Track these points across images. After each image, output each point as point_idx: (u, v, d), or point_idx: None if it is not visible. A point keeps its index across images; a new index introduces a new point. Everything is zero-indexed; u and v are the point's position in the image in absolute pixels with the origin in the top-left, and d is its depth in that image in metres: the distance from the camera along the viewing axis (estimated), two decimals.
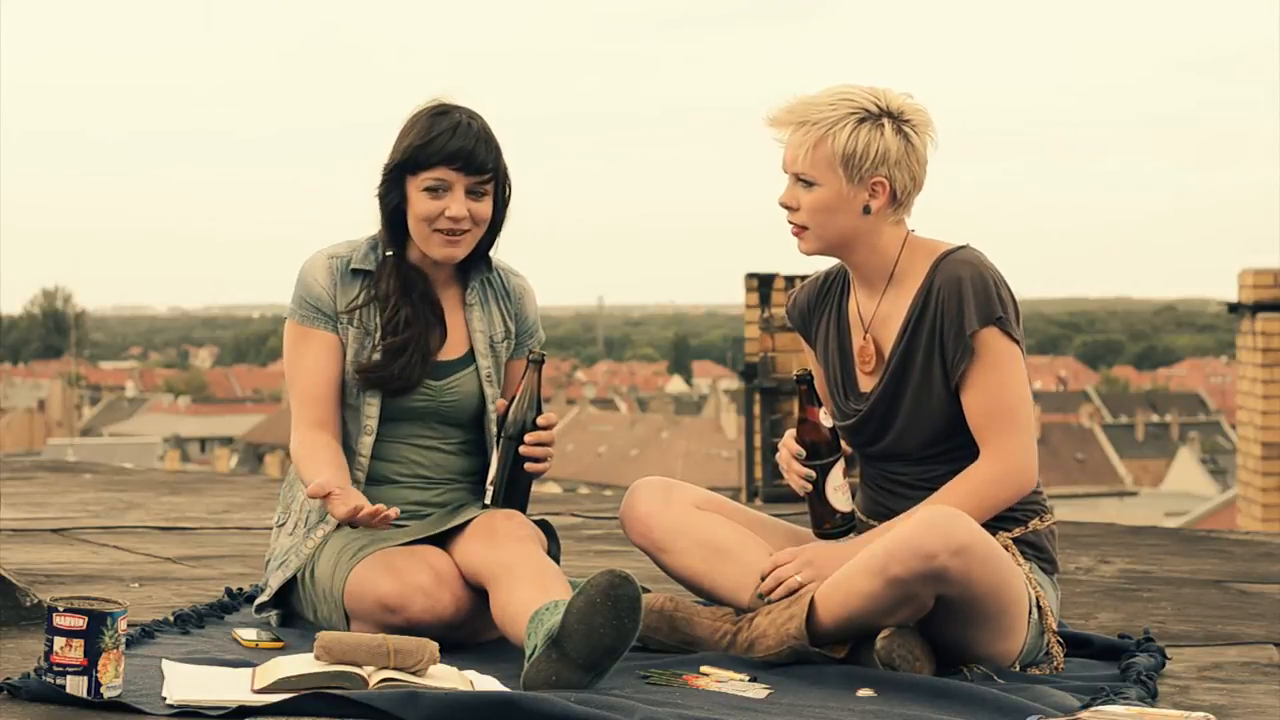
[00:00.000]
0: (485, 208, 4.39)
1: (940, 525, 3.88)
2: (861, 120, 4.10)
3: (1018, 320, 4.12)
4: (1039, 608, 4.12)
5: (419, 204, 4.36)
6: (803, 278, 11.61)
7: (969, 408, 4.11)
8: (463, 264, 4.48)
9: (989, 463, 4.09)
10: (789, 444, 4.18)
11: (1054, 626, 4.16)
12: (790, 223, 4.18)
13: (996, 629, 4.01)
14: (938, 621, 3.98)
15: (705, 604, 4.28)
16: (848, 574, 3.98)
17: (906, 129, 4.12)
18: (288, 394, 4.47)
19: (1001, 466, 4.09)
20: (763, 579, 4.14)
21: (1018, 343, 4.11)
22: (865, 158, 4.09)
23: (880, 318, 4.20)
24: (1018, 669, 4.08)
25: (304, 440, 4.36)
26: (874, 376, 4.21)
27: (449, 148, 4.34)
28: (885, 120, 4.10)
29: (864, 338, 4.22)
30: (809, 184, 4.13)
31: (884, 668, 3.96)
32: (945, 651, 4.04)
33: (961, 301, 4.08)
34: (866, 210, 4.13)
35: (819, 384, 4.31)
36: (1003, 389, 4.08)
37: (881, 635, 3.98)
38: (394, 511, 4.14)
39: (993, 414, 4.08)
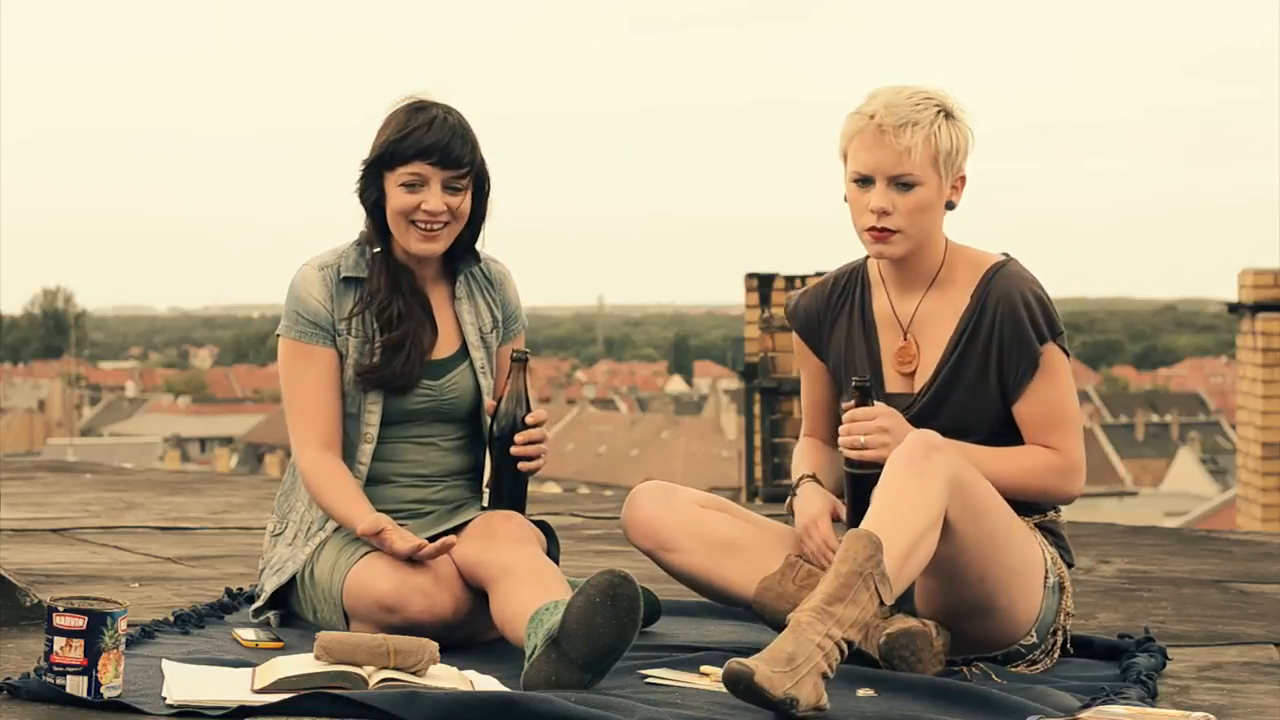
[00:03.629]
0: (463, 202, 4.38)
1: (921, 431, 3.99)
2: (946, 116, 4.15)
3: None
4: (1061, 589, 4.16)
5: (396, 199, 4.36)
6: (803, 278, 11.66)
7: (1027, 415, 4.18)
8: (448, 260, 4.49)
9: (1054, 454, 4.17)
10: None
11: (1070, 609, 4.19)
12: (883, 228, 4.13)
13: (1008, 552, 4.01)
14: (959, 537, 3.95)
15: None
16: (896, 527, 3.83)
17: (966, 122, 4.19)
18: (286, 410, 4.44)
19: (1064, 461, 4.18)
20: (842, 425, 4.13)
21: (1069, 355, 4.22)
22: (956, 153, 4.16)
23: (921, 319, 4.23)
24: (1034, 638, 4.11)
25: (317, 463, 4.35)
26: (911, 379, 4.24)
27: (424, 142, 4.34)
28: (955, 114, 4.17)
29: (905, 338, 4.24)
30: (909, 185, 4.13)
31: (885, 666, 3.96)
32: (971, 591, 4.01)
33: (1026, 319, 4.15)
34: (950, 206, 4.20)
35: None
36: (1063, 401, 4.19)
37: (886, 633, 3.97)
38: (453, 539, 4.19)
39: (1055, 421, 4.18)
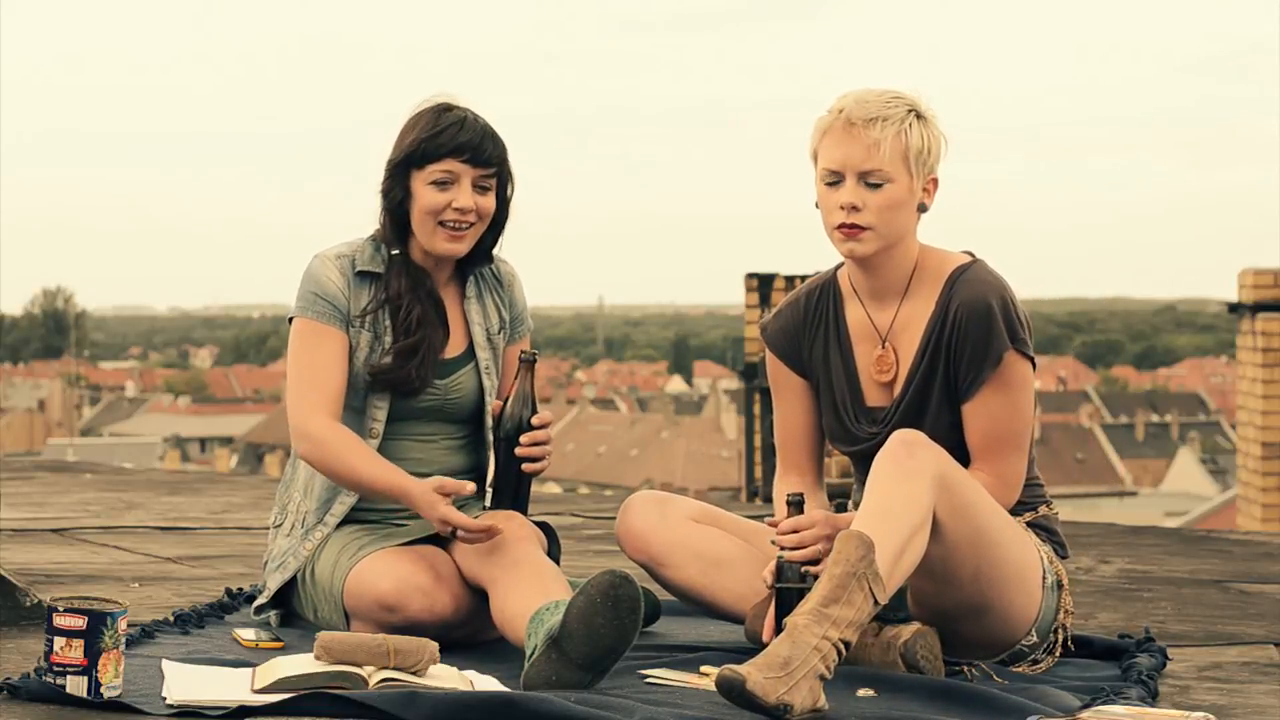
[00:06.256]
0: (489, 202, 4.39)
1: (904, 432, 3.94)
2: (919, 117, 4.10)
3: (1030, 334, 4.13)
4: (1060, 587, 4.14)
5: (425, 197, 4.36)
6: (803, 277, 11.67)
7: (974, 426, 4.11)
8: (461, 261, 4.48)
9: (986, 478, 4.09)
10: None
11: (1070, 606, 4.17)
12: (853, 224, 4.07)
13: (1000, 550, 3.97)
14: (949, 535, 3.91)
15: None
16: (886, 526, 3.81)
17: (938, 126, 4.14)
18: (292, 385, 4.41)
19: (997, 484, 4.10)
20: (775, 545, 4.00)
21: (1031, 361, 4.12)
22: (928, 154, 4.10)
23: (899, 328, 4.17)
24: (1034, 638, 4.10)
25: (332, 427, 4.31)
26: (888, 389, 4.19)
27: (458, 140, 4.35)
28: (928, 118, 4.12)
29: (883, 346, 4.18)
30: (879, 183, 4.07)
31: (908, 668, 3.95)
32: (964, 591, 3.98)
33: (982, 326, 4.06)
34: (922, 209, 4.14)
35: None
36: (1013, 414, 4.11)
37: (906, 634, 3.97)
38: (500, 527, 4.17)
39: (1000, 436, 4.11)
